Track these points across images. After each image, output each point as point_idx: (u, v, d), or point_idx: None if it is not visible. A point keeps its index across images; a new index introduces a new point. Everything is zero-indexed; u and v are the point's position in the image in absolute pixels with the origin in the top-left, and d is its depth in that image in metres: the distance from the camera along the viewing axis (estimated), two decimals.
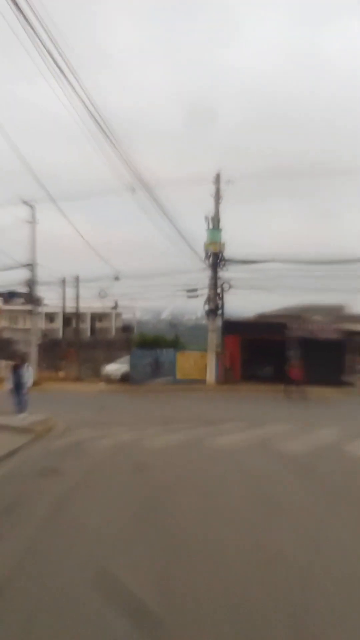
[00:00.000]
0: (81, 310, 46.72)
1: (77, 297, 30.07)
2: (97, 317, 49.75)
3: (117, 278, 26.73)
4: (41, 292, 29.68)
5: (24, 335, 44.80)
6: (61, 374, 31.19)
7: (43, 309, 45.17)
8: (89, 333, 48.55)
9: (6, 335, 42.71)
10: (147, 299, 35.44)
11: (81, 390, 26.70)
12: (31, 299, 29.23)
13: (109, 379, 29.51)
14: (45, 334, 44.30)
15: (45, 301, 45.53)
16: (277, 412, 17.13)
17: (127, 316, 57.10)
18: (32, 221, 28.88)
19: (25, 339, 43.28)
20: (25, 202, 27.70)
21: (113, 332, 51.06)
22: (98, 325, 51.38)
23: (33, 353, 29.71)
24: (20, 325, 46.62)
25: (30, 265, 28.92)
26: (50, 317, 47.58)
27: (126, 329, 51.63)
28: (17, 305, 46.15)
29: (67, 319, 33.65)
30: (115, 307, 27.51)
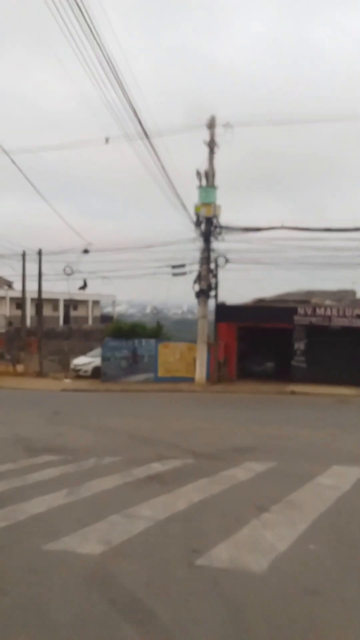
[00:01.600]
0: (53, 296, 41.38)
1: (39, 275, 24.75)
2: (71, 304, 44.42)
3: (86, 251, 21.52)
4: None
5: None
6: (19, 367, 25.92)
7: (8, 293, 39.75)
8: (61, 322, 43.26)
9: None
10: (124, 277, 29.97)
11: (40, 387, 21.53)
12: None
13: (78, 375, 24.38)
14: (10, 322, 38.89)
15: (13, 284, 40.08)
16: (319, 433, 12.18)
17: (107, 309, 51.89)
18: None
19: None
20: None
21: (90, 321, 45.79)
22: (73, 314, 46.03)
23: None
24: None
25: None
26: (18, 303, 41.94)
27: (105, 319, 46.43)
28: None
29: (37, 306, 28.42)
30: (84, 286, 22.24)
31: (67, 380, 23.56)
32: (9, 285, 41.28)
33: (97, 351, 24.56)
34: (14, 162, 15.45)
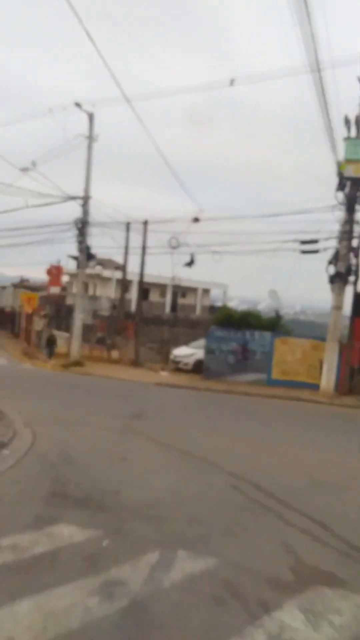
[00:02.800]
0: (162, 280, 38.61)
1: (143, 249, 21.60)
2: (179, 291, 41.42)
3: (196, 219, 17.91)
4: (94, 239, 21.66)
5: (94, 305, 37.69)
6: (114, 354, 23.16)
7: (114, 274, 37.70)
8: (168, 309, 40.48)
9: (71, 302, 35.79)
10: (235, 253, 25.80)
11: (132, 378, 18.41)
12: (81, 247, 21.35)
13: (177, 367, 21.01)
14: (114, 305, 36.80)
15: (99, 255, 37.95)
16: None
17: (217, 304, 48.26)
18: (90, 134, 20.89)
19: (94, 308, 36.13)
20: (78, 105, 19.69)
21: (197, 310, 42.48)
22: (181, 301, 43.06)
23: (77, 323, 21.91)
24: (90, 292, 39.65)
25: (83, 198, 20.99)
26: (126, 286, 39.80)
27: (214, 310, 42.89)
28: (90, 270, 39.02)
29: (139, 282, 25.62)
30: (191, 262, 18.65)
31: (164, 373, 20.25)
32: (121, 268, 39.27)
33: (201, 342, 20.96)
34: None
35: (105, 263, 40.51)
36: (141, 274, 22.47)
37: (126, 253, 22.79)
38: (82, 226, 21.10)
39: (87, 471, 6.33)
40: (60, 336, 27.40)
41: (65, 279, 37.83)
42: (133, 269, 27.13)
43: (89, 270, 39.87)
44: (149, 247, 21.15)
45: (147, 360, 22.59)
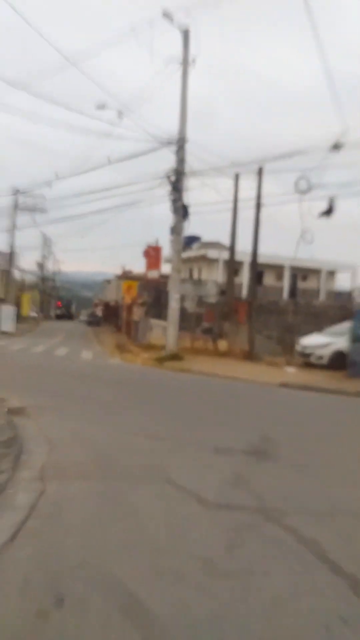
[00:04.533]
0: (278, 261, 32.86)
1: (258, 198, 16.05)
2: (299, 273, 35.21)
3: (337, 146, 12.13)
4: (191, 194, 16.70)
5: (198, 290, 32.96)
6: (221, 345, 18.01)
7: (221, 255, 32.57)
8: (285, 294, 34.46)
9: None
10: None
11: (246, 376, 13.12)
12: (175, 206, 16.46)
13: (307, 362, 15.35)
14: (223, 291, 31.66)
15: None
16: None
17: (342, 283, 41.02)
18: (185, 59, 15.97)
19: (198, 294, 31.42)
20: (166, 16, 14.85)
21: (321, 296, 35.86)
22: (301, 285, 36.73)
23: (172, 305, 17.07)
24: (195, 277, 34.95)
25: (179, 142, 16.12)
26: (236, 269, 34.59)
27: (341, 297, 36.02)
28: (193, 252, 34.33)
29: (258, 273, 20.67)
30: (329, 211, 12.78)
31: (290, 369, 14.71)
32: (228, 249, 34.13)
33: (341, 328, 15.14)
34: None
35: (210, 247, 35.68)
36: (255, 238, 17.01)
37: (234, 215, 17.50)
38: (177, 179, 16.23)
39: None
40: (158, 325, 23.04)
41: (166, 269, 33.64)
42: (244, 248, 21.87)
43: (192, 253, 35.31)
44: (269, 196, 15.62)
45: (265, 352, 17.12)
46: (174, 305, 16.91)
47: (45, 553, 2.89)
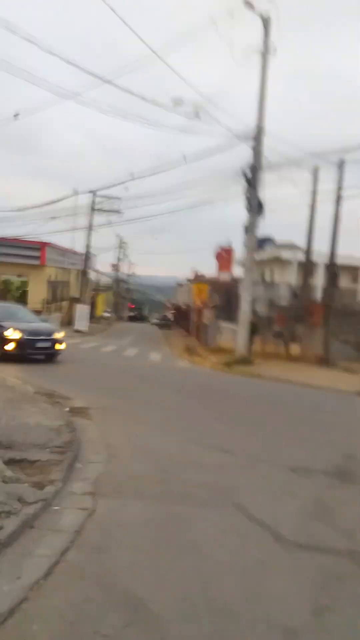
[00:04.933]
0: (353, 262, 31.15)
1: (339, 192, 15.00)
2: None
3: None
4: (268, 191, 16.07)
5: (270, 293, 31.90)
6: (293, 349, 17.03)
7: (296, 256, 31.24)
8: None
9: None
10: None
11: (321, 383, 12.22)
12: (251, 204, 15.73)
13: None
14: (296, 293, 30.39)
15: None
16: None
17: None
18: (266, 46, 15.23)
19: (270, 297, 30.38)
20: (247, 3, 14.22)
21: None
22: None
23: (243, 308, 16.31)
24: (267, 279, 33.84)
25: (256, 134, 15.42)
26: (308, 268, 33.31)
27: None
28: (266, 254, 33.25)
29: (333, 274, 19.89)
30: None
31: None
32: (303, 251, 32.61)
33: None
34: None
35: (283, 248, 34.46)
36: (334, 236, 15.94)
37: (312, 212, 16.52)
38: (253, 174, 15.51)
39: None
40: (228, 329, 22.37)
41: (238, 272, 32.82)
42: (318, 248, 20.72)
43: (265, 255, 34.28)
44: (349, 189, 14.56)
45: (340, 357, 15.98)
46: (245, 308, 16.20)
47: (79, 607, 2.31)
